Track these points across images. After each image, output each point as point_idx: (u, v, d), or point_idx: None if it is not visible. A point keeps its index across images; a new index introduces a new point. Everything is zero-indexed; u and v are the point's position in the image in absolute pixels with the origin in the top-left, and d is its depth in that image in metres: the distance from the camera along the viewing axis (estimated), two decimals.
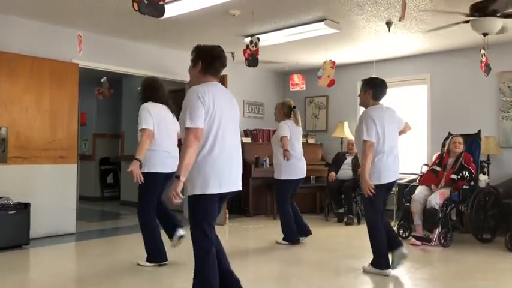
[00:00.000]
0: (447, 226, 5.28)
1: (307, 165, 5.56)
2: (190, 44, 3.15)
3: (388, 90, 4.28)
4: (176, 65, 6.83)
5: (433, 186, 5.56)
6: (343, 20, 5.46)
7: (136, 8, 3.34)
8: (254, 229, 6.53)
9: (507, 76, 6.43)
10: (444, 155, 5.73)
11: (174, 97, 4.88)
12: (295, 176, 5.35)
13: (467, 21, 4.88)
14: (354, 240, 5.74)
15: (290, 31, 5.82)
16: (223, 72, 3.08)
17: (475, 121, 6.45)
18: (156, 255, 4.22)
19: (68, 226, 5.79)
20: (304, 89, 7.84)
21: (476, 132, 5.86)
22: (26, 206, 5.03)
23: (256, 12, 5.15)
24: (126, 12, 5.09)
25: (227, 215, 6.80)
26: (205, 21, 5.57)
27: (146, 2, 3.36)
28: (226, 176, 2.83)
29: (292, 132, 5.34)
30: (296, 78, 7.85)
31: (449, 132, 6.08)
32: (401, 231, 5.66)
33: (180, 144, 3.23)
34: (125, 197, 8.93)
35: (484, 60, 5.47)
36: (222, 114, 2.83)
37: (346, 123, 7.85)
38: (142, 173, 4.11)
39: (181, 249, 4.28)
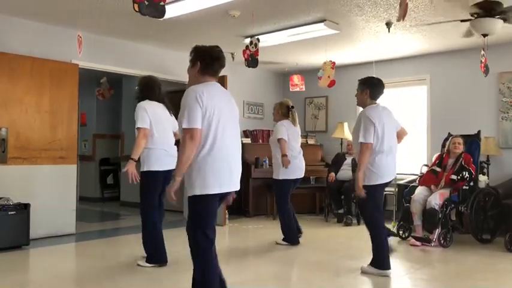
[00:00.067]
0: (447, 227, 5.28)
1: (307, 165, 5.56)
2: (190, 44, 3.15)
3: (388, 91, 4.30)
4: (176, 65, 6.84)
5: (432, 186, 5.56)
6: (343, 21, 5.46)
7: (137, 9, 3.34)
8: (254, 230, 6.54)
9: (507, 77, 6.44)
10: (444, 155, 5.74)
11: (174, 98, 4.88)
12: (293, 175, 5.35)
13: (466, 20, 4.88)
14: (354, 240, 5.74)
15: (290, 32, 5.82)
16: (223, 72, 3.08)
17: (474, 122, 6.45)
18: (156, 256, 4.22)
19: (68, 227, 5.79)
20: (304, 89, 7.85)
21: (476, 132, 5.87)
22: (25, 207, 5.03)
23: (256, 13, 5.16)
24: (126, 12, 5.10)
25: (227, 216, 6.80)
26: (206, 22, 5.57)
27: (147, 3, 3.36)
28: (226, 176, 2.83)
29: (289, 133, 5.34)
30: (296, 79, 7.85)
31: (449, 133, 6.09)
32: (401, 232, 5.66)
33: (177, 143, 3.23)
34: (125, 197, 8.93)
35: (483, 60, 5.47)
36: (221, 114, 2.83)
37: (346, 124, 7.85)
38: (142, 172, 4.11)
39: (181, 249, 4.28)
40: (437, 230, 5.22)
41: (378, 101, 4.22)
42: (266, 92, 8.78)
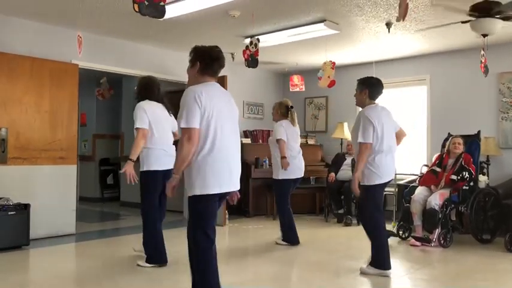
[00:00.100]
0: (447, 227, 5.28)
1: (306, 166, 5.57)
2: (190, 44, 3.16)
3: (388, 91, 4.31)
4: (176, 65, 6.84)
5: (432, 186, 5.56)
6: (343, 21, 5.46)
7: (137, 9, 3.34)
8: (254, 230, 6.53)
9: (506, 77, 6.44)
10: (444, 155, 5.74)
11: (173, 98, 4.88)
12: (293, 175, 5.35)
13: (466, 21, 4.88)
14: (354, 241, 5.73)
15: (290, 32, 5.82)
16: (223, 72, 3.09)
17: (474, 122, 6.45)
18: (156, 256, 4.22)
19: (67, 227, 5.79)
20: (304, 89, 7.85)
21: (476, 133, 5.87)
22: (25, 207, 5.03)
23: (256, 13, 5.16)
24: (126, 12, 5.10)
25: (227, 216, 6.80)
26: (206, 22, 5.57)
27: (147, 3, 3.36)
28: (226, 176, 2.83)
29: (288, 133, 5.34)
30: (296, 79, 7.86)
31: (449, 133, 6.09)
32: (400, 232, 5.66)
33: (176, 143, 3.23)
34: (124, 197, 8.93)
35: (483, 61, 5.48)
36: (220, 114, 2.83)
37: (345, 124, 7.85)
38: (141, 171, 4.11)
39: (181, 249, 4.27)
40: (437, 230, 5.22)
41: (377, 101, 4.22)
42: (266, 92, 8.78)
